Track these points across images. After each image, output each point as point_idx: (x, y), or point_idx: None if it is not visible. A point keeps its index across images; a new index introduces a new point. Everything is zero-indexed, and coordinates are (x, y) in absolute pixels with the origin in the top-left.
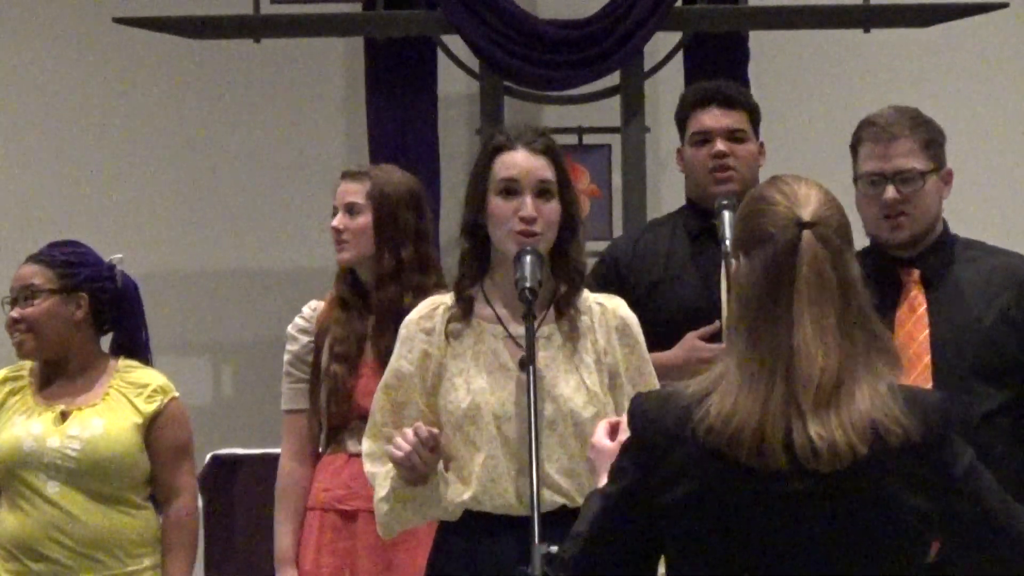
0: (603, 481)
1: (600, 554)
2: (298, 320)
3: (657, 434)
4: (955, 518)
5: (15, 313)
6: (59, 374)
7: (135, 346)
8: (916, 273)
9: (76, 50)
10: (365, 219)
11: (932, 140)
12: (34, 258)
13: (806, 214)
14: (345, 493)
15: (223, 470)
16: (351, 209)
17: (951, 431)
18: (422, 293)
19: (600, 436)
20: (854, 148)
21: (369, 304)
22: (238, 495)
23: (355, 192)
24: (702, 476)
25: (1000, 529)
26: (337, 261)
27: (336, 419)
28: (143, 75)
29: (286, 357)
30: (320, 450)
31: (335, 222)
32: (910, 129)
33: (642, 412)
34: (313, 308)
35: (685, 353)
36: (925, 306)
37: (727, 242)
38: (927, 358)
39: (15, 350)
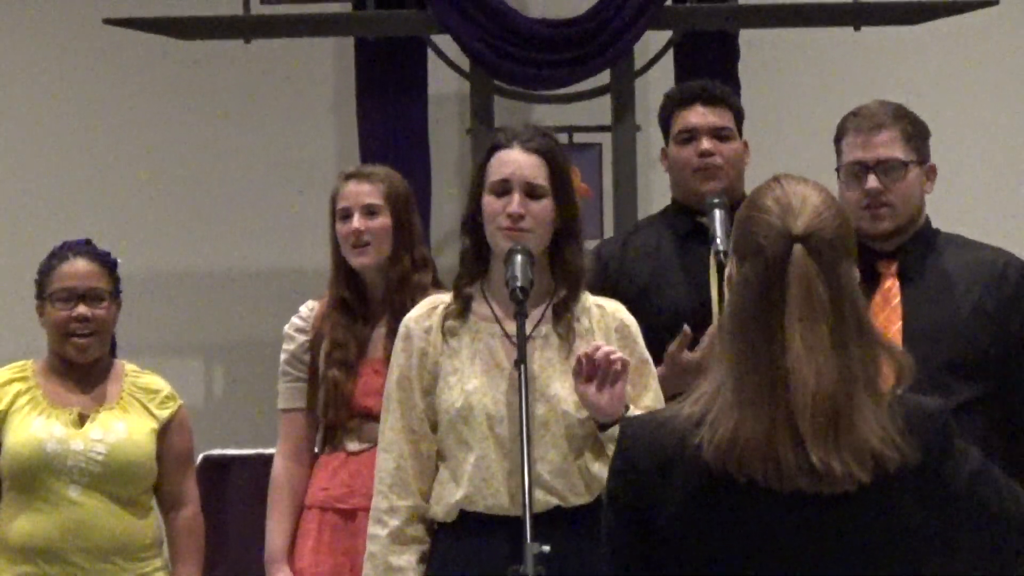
0: None
1: None
2: (295, 320)
3: (653, 459)
4: (960, 529)
5: (87, 312)
6: (76, 376)
7: (113, 346)
8: (894, 265)
9: (65, 51)
10: (384, 220)
11: (915, 133)
12: (87, 255)
13: (797, 226)
14: (345, 492)
15: (215, 471)
16: (370, 211)
17: (951, 443)
18: (423, 291)
19: None
20: (838, 140)
21: (369, 306)
22: (230, 496)
23: (369, 193)
24: (706, 495)
25: (1015, 526)
26: (355, 264)
27: (334, 420)
28: (133, 76)
29: (283, 356)
30: (316, 450)
31: (357, 224)
32: (893, 120)
33: (633, 438)
34: (311, 308)
35: (667, 369)
36: (900, 298)
37: (717, 241)
38: None
39: (73, 349)
